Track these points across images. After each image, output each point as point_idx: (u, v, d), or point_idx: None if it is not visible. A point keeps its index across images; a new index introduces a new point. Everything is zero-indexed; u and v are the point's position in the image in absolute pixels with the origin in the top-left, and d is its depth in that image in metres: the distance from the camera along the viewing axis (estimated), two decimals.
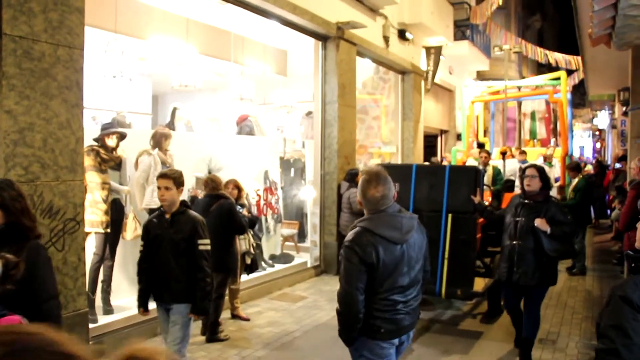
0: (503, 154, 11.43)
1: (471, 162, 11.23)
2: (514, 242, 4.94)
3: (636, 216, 6.52)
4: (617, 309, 2.15)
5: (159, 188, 4.06)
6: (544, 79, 15.67)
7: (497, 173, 8.76)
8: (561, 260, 5.30)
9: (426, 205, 5.95)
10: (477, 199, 5.65)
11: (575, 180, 9.07)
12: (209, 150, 7.51)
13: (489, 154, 9.40)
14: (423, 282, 3.27)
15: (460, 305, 7.12)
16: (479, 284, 6.10)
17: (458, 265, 5.83)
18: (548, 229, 4.77)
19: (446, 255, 5.85)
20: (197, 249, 4.06)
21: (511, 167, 11.05)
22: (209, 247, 4.13)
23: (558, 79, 14.51)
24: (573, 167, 9.41)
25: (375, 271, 2.93)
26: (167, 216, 4.10)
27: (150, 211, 6.47)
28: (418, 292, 3.17)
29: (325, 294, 7.69)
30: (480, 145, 13.30)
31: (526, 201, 4.98)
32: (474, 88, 16.71)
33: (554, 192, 11.05)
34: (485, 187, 7.97)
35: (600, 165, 16.29)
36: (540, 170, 4.99)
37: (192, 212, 4.24)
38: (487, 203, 7.20)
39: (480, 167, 8.53)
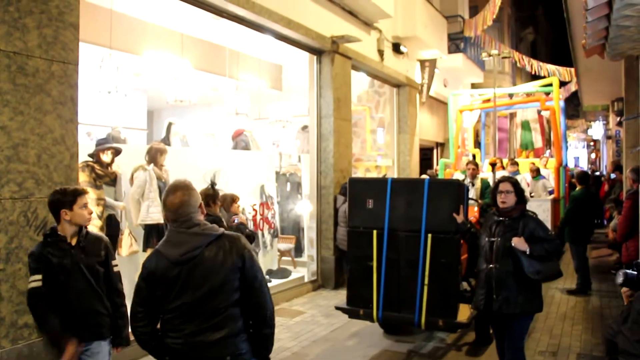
0: (492, 165, 10.82)
1: (458, 175, 10.71)
2: (491, 266, 4.39)
3: (634, 226, 6.53)
4: None
5: (85, 207, 3.54)
6: (534, 85, 15.12)
7: (485, 186, 8.17)
8: (545, 282, 4.69)
9: (403, 225, 5.41)
10: (460, 218, 5.05)
11: (577, 190, 8.70)
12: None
13: (476, 165, 8.76)
14: (257, 320, 2.82)
15: (443, 336, 6.36)
16: (464, 311, 5.41)
17: (439, 291, 5.22)
18: (527, 249, 4.22)
19: (426, 281, 5.23)
20: (113, 271, 3.68)
21: None
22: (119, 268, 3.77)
23: (550, 85, 13.86)
24: (580, 177, 8.93)
25: (156, 289, 2.74)
26: (70, 241, 3.52)
27: (146, 227, 6.45)
28: (216, 325, 2.71)
29: (323, 308, 7.63)
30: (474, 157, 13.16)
31: (501, 219, 4.47)
32: (463, 96, 16.24)
33: (547, 207, 10.21)
34: (472, 201, 7.50)
35: (595, 177, 16.25)
36: (515, 184, 4.52)
37: (95, 232, 3.89)
38: (474, 219, 6.73)
39: (468, 180, 8.25)
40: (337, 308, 5.89)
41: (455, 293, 5.28)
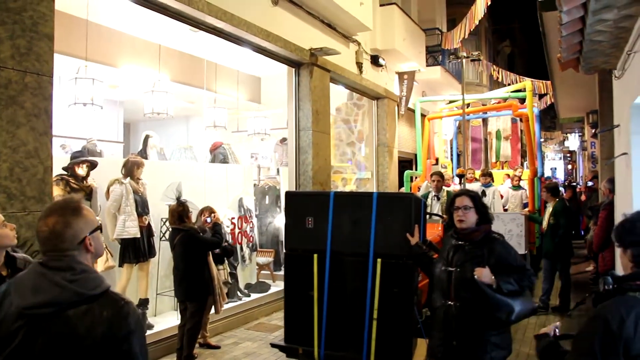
0: (460, 176, 10.20)
1: (424, 186, 9.73)
2: (450, 303, 3.51)
3: (610, 236, 6.59)
4: None
5: (4, 224, 2.93)
6: (506, 91, 14.34)
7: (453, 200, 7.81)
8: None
9: (349, 247, 4.58)
10: (414, 240, 4.24)
11: (551, 205, 8.18)
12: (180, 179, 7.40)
13: (442, 176, 8.25)
14: None
15: None
16: (422, 348, 4.47)
17: (391, 327, 4.38)
18: (493, 282, 3.34)
19: (375, 315, 4.40)
20: None
21: None
22: None
23: (523, 90, 13.06)
24: (551, 188, 8.35)
25: None
26: (1, 272, 2.84)
27: (122, 242, 6.35)
28: None
29: None
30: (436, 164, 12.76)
31: (460, 243, 3.60)
32: (431, 103, 15.85)
33: (521, 222, 8.98)
34: (437, 217, 7.31)
35: (573, 189, 16.34)
36: (475, 198, 3.67)
37: (21, 253, 3.12)
38: (438, 238, 6.16)
39: (433, 193, 8.03)
40: (273, 345, 5.10)
41: (409, 329, 4.40)
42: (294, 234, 4.90)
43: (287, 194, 5.24)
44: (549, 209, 8.21)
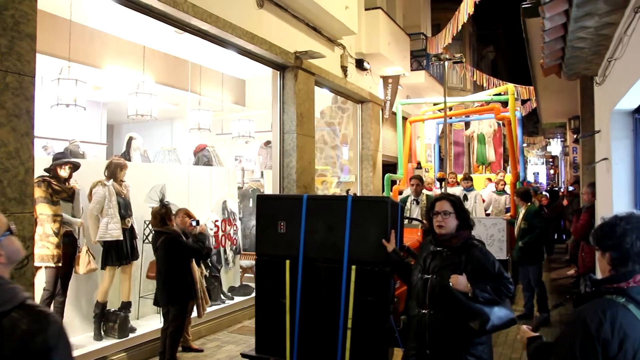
0: (440, 180, 10.07)
1: (407, 192, 9.30)
2: (424, 311, 3.38)
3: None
4: None
5: None
6: (488, 94, 14.28)
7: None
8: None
9: (322, 253, 4.39)
10: (390, 246, 4.04)
11: (523, 209, 7.97)
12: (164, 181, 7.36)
13: (421, 180, 8.15)
14: None
15: None
16: (399, 359, 4.34)
17: (366, 337, 4.21)
18: (468, 290, 3.24)
19: (349, 324, 4.23)
20: None
21: None
22: None
23: (505, 93, 12.89)
24: (522, 193, 8.15)
25: None
26: None
27: (105, 244, 6.30)
28: None
29: None
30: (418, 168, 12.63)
31: (438, 249, 3.47)
32: (415, 107, 15.79)
33: (502, 226, 8.83)
34: (417, 222, 7.25)
35: (553, 194, 16.41)
36: (456, 203, 3.51)
37: None
38: (417, 243, 6.01)
39: (412, 198, 8.00)
40: (244, 356, 4.87)
41: (385, 339, 4.24)
42: (266, 239, 4.69)
43: (259, 197, 5.00)
44: (521, 213, 8.03)
